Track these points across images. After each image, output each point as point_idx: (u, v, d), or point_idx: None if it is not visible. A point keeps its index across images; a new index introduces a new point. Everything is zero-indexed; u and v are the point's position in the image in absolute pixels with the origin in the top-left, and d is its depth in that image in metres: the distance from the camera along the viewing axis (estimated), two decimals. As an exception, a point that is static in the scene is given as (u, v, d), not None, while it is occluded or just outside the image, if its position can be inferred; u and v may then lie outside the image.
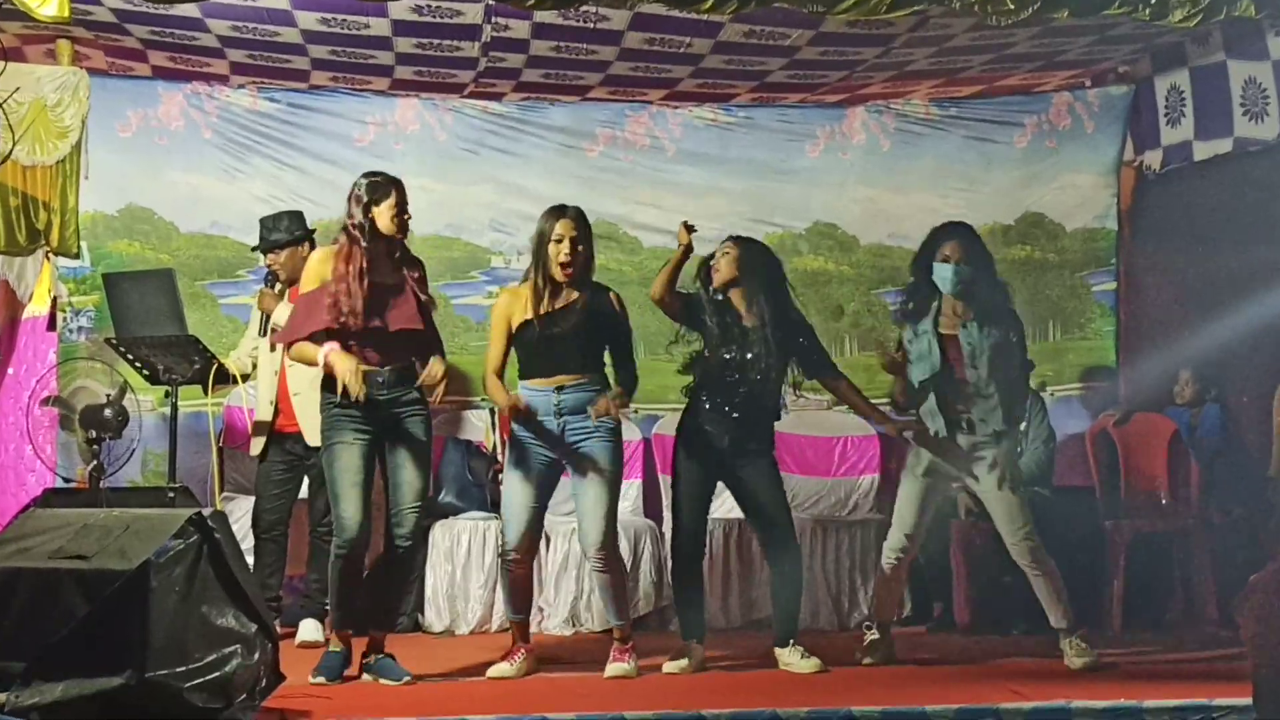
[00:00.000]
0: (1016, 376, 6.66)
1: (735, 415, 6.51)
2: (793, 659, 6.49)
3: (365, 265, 5.95)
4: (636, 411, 8.55)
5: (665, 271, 6.48)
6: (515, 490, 6.30)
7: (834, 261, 8.85)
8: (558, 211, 6.30)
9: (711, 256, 6.67)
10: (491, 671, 6.22)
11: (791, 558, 6.63)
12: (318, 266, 6.06)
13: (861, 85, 8.52)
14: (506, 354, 6.35)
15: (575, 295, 6.26)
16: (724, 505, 7.28)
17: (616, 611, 6.41)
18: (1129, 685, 5.67)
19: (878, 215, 8.89)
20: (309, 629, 7.05)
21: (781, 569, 6.62)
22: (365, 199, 6.01)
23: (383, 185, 6.04)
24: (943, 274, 6.59)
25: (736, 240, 6.73)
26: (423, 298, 6.10)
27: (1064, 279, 8.90)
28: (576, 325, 6.22)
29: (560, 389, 6.22)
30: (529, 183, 8.45)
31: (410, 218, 6.10)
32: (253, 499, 7.38)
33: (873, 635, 6.74)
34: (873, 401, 6.93)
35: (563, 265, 6.20)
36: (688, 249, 6.38)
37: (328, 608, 6.42)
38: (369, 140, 8.43)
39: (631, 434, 8.36)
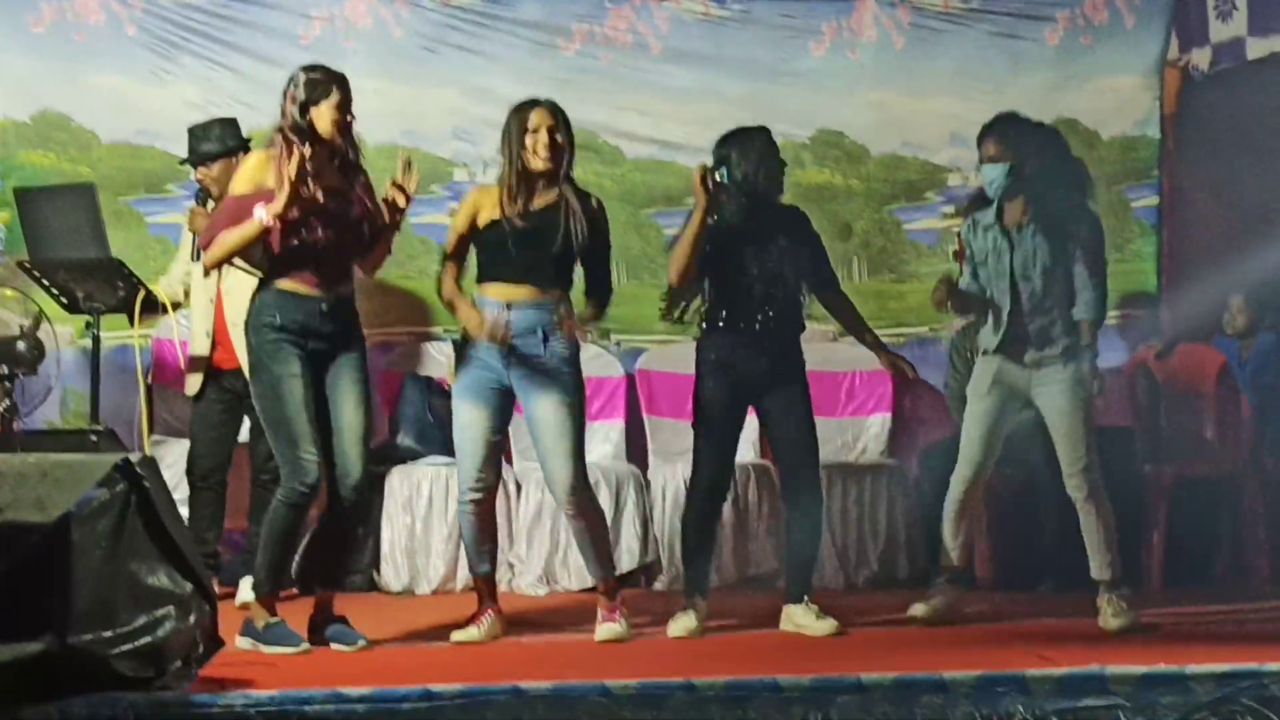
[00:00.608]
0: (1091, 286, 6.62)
1: (766, 336, 6.49)
2: (806, 619, 6.47)
3: (322, 184, 5.90)
4: (619, 344, 8.55)
5: (685, 247, 6.42)
6: (468, 419, 6.25)
7: (841, 174, 8.83)
8: (529, 104, 6.25)
9: (731, 154, 6.56)
10: (456, 635, 6.23)
11: (813, 502, 6.60)
12: (253, 170, 5.98)
13: (873, -28, 8.50)
14: (464, 257, 6.30)
15: (554, 195, 6.22)
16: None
17: (599, 563, 6.40)
18: (1170, 648, 5.69)
19: (890, 122, 8.86)
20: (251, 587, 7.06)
21: (801, 514, 6.58)
22: (302, 97, 5.94)
23: (322, 82, 5.96)
24: (989, 175, 6.60)
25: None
26: (370, 208, 6.05)
27: (1101, 193, 8.86)
28: (553, 229, 6.17)
29: (510, 305, 6.15)
30: (496, 85, 8.37)
31: (354, 119, 6.02)
32: (187, 443, 7.36)
33: (939, 587, 6.75)
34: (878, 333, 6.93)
35: (544, 157, 6.15)
36: (708, 208, 6.34)
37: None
38: (314, 36, 8.38)
39: (612, 369, 8.36)
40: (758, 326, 6.49)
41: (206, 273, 6.61)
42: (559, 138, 6.19)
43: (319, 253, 5.91)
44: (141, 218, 8.21)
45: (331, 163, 6.00)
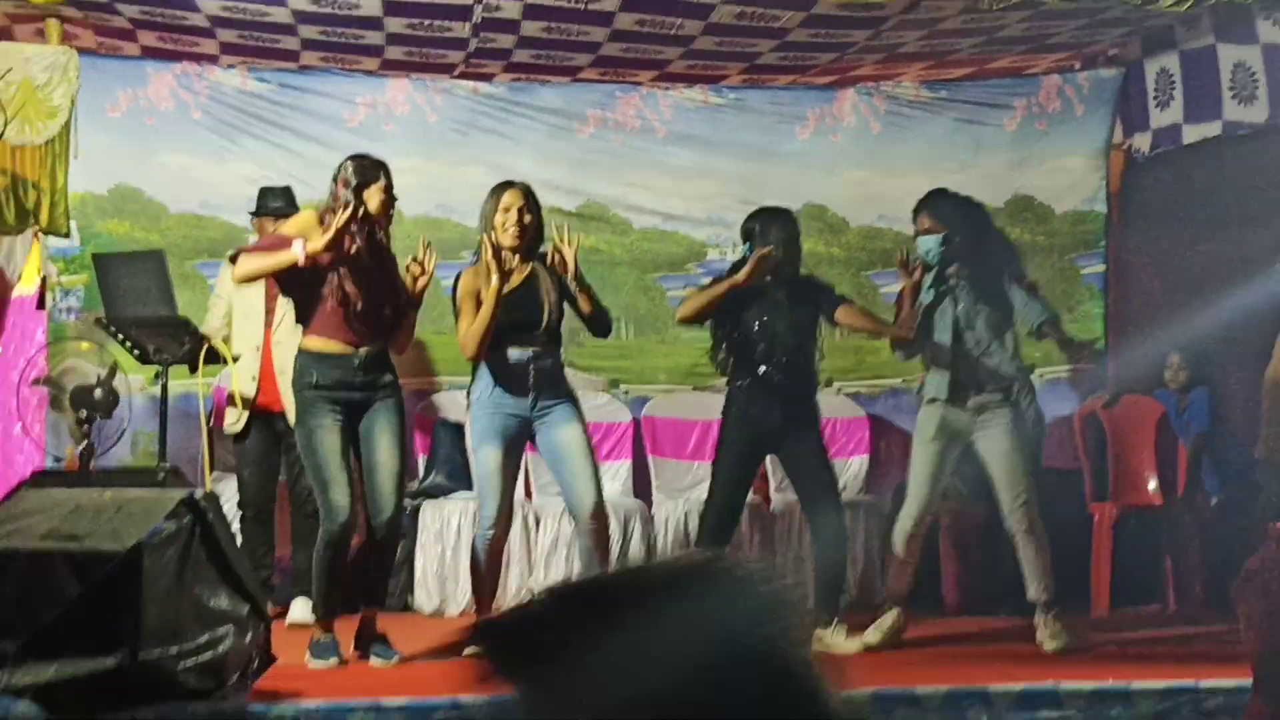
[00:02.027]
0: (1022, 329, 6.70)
1: (784, 390, 6.50)
2: (837, 638, 6.44)
3: (359, 245, 5.94)
4: (626, 393, 8.57)
5: (705, 299, 6.51)
6: (489, 460, 6.21)
7: (824, 243, 8.84)
8: (504, 185, 6.29)
9: (752, 236, 6.60)
10: (469, 652, 6.19)
11: (839, 533, 6.59)
12: (302, 222, 6.03)
13: (852, 67, 8.53)
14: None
15: (528, 269, 6.24)
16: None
17: None
18: (1117, 666, 5.70)
19: (868, 197, 8.88)
20: (300, 609, 7.06)
21: (827, 545, 6.57)
22: (354, 181, 5.98)
23: (372, 168, 6.02)
24: (925, 246, 6.64)
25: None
26: (396, 283, 6.08)
27: (1053, 261, 8.91)
28: (535, 300, 6.20)
29: (536, 356, 6.19)
30: (519, 164, 8.42)
31: (396, 201, 6.08)
32: None
33: (888, 614, 6.68)
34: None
35: (512, 234, 6.17)
36: (746, 281, 6.36)
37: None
38: (359, 121, 8.42)
39: (621, 415, 8.37)
40: (776, 382, 6.50)
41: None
42: (526, 217, 6.21)
43: (352, 311, 5.93)
44: (205, 280, 8.21)
45: (370, 239, 6.04)
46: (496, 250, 6.16)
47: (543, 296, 6.23)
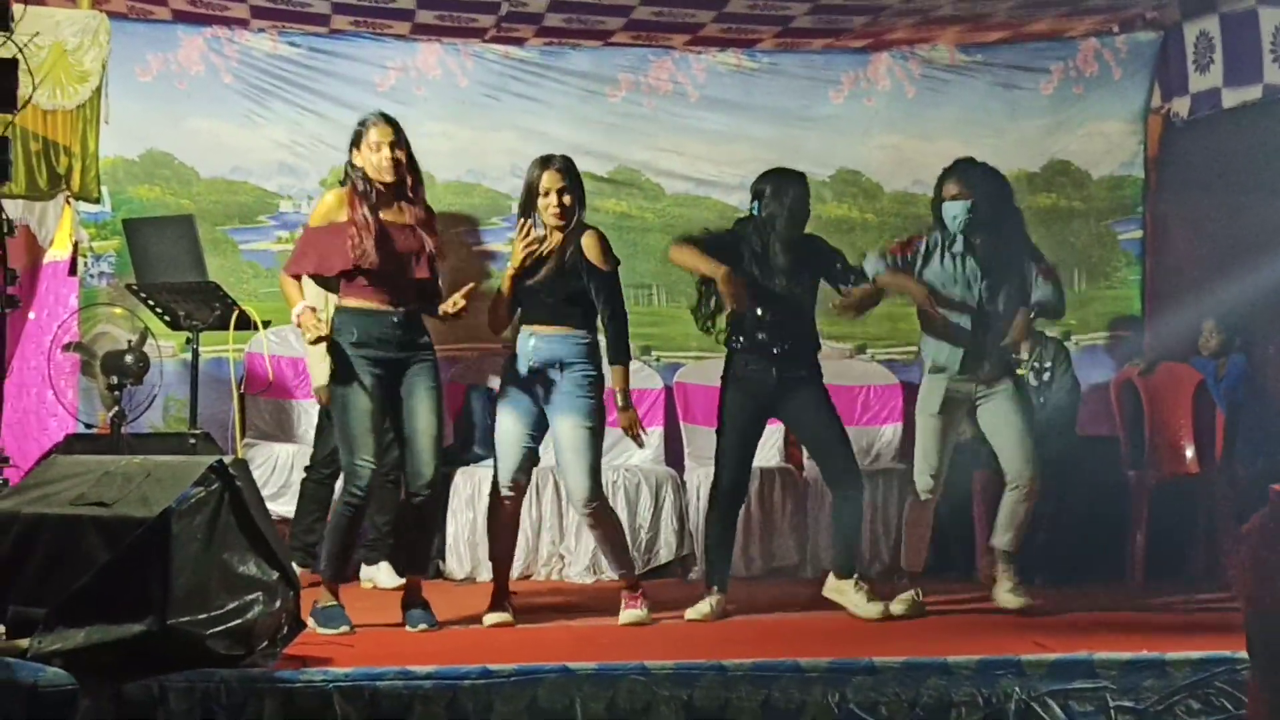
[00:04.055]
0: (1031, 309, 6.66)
1: (778, 348, 6.47)
2: (858, 599, 6.45)
3: (369, 208, 5.94)
4: (658, 359, 8.54)
5: (695, 263, 6.45)
6: (507, 427, 6.25)
7: (858, 209, 8.80)
8: (544, 162, 6.23)
9: (761, 198, 6.57)
10: (489, 620, 6.22)
11: (854, 482, 6.57)
12: (327, 208, 6.04)
13: (887, 30, 8.45)
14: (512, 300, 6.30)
15: (560, 246, 6.20)
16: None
17: (618, 563, 6.42)
18: (1152, 637, 5.64)
19: (902, 162, 8.81)
20: (385, 574, 7.11)
21: (844, 495, 6.56)
22: (350, 142, 6.04)
23: (361, 126, 6.03)
24: (950, 212, 6.61)
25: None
26: (429, 247, 6.06)
27: (1090, 227, 8.84)
28: (562, 276, 6.18)
29: (534, 336, 6.20)
30: (550, 128, 8.40)
31: (400, 159, 6.00)
32: (276, 445, 7.52)
33: (903, 586, 6.68)
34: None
35: (555, 217, 6.16)
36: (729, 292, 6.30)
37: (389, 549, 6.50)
38: (390, 85, 8.38)
39: (653, 382, 8.34)
40: (775, 347, 6.48)
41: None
42: (566, 198, 6.17)
43: (390, 272, 5.94)
44: (236, 245, 8.22)
45: (395, 199, 6.02)
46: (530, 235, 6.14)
47: (566, 273, 6.19)
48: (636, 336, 8.35)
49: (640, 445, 6.47)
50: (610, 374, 6.24)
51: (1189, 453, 7.92)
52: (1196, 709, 5.10)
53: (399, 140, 6.00)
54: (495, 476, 6.32)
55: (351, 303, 5.99)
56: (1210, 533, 7.82)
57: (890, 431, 8.52)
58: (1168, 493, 7.75)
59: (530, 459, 6.31)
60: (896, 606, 6.54)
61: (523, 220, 6.20)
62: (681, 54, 8.66)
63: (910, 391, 8.50)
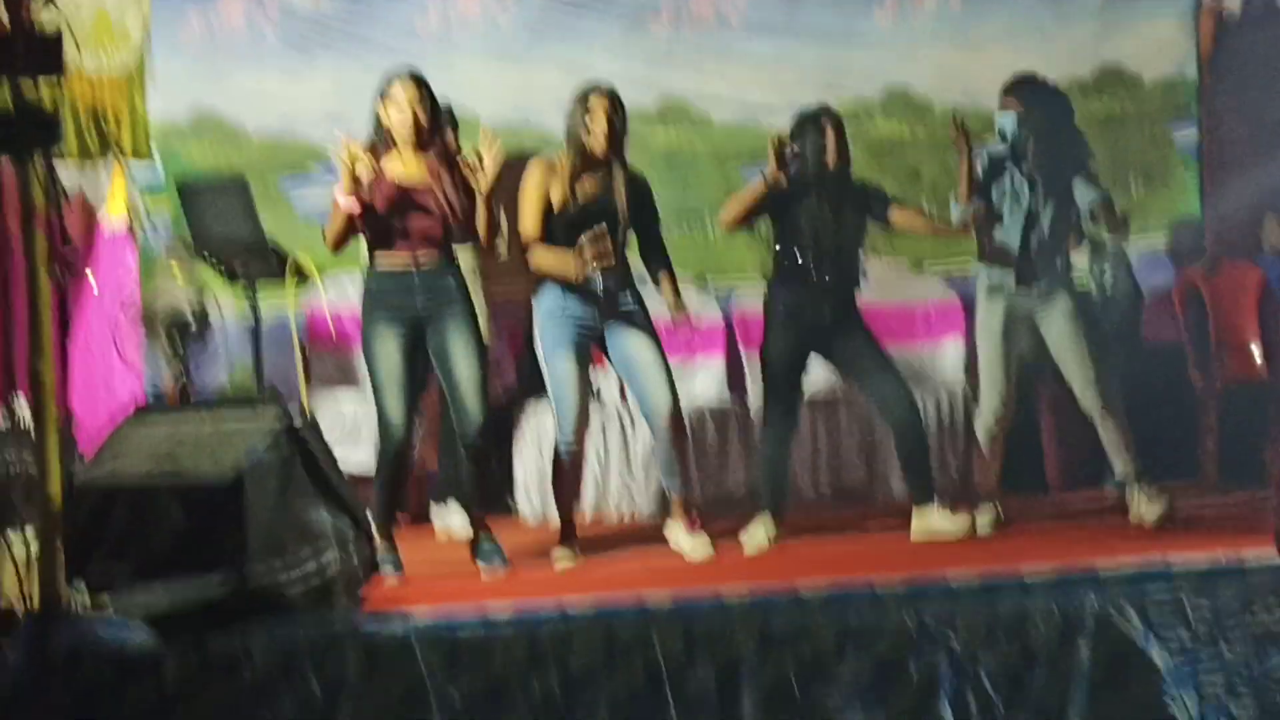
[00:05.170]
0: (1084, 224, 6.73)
1: (826, 290, 6.50)
2: (942, 522, 6.45)
3: (380, 163, 5.93)
4: (714, 291, 8.50)
5: (743, 203, 6.51)
6: (564, 372, 6.22)
7: (908, 127, 8.72)
8: (590, 89, 6.25)
9: (803, 131, 6.56)
10: (559, 561, 6.25)
11: (913, 414, 6.57)
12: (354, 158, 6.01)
13: (930, -59, 8.38)
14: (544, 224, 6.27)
15: (607, 173, 6.21)
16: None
17: (683, 478, 6.42)
18: (1231, 537, 5.61)
19: (952, 76, 8.68)
20: (456, 518, 7.04)
21: (902, 427, 6.58)
22: (377, 92, 6.01)
23: (389, 83, 5.98)
24: (1003, 123, 6.63)
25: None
26: (447, 196, 5.95)
27: (1144, 130, 8.75)
28: (611, 203, 6.20)
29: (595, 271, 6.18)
30: (594, 62, 8.27)
31: (420, 120, 5.93)
32: (341, 390, 7.65)
33: (985, 509, 6.68)
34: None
35: (601, 134, 6.15)
36: (775, 177, 6.34)
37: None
38: (431, 29, 8.36)
39: (711, 310, 8.31)
40: (819, 281, 6.49)
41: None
42: (615, 121, 6.16)
43: (406, 230, 5.93)
44: (288, 200, 8.24)
45: (417, 152, 5.99)
46: (583, 154, 6.16)
47: (615, 202, 6.20)
48: (690, 264, 8.35)
49: (693, 326, 6.53)
50: (664, 280, 6.38)
51: (1256, 355, 7.84)
52: (1274, 605, 5.07)
53: (423, 97, 5.95)
54: (558, 424, 6.32)
55: (378, 260, 6.02)
56: (1280, 435, 7.77)
57: (953, 347, 8.46)
58: (1236, 396, 7.68)
59: (589, 405, 6.35)
60: (979, 522, 6.55)
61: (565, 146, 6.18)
62: (723, -21, 8.61)
63: (969, 305, 8.47)
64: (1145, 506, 6.49)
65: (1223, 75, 8.68)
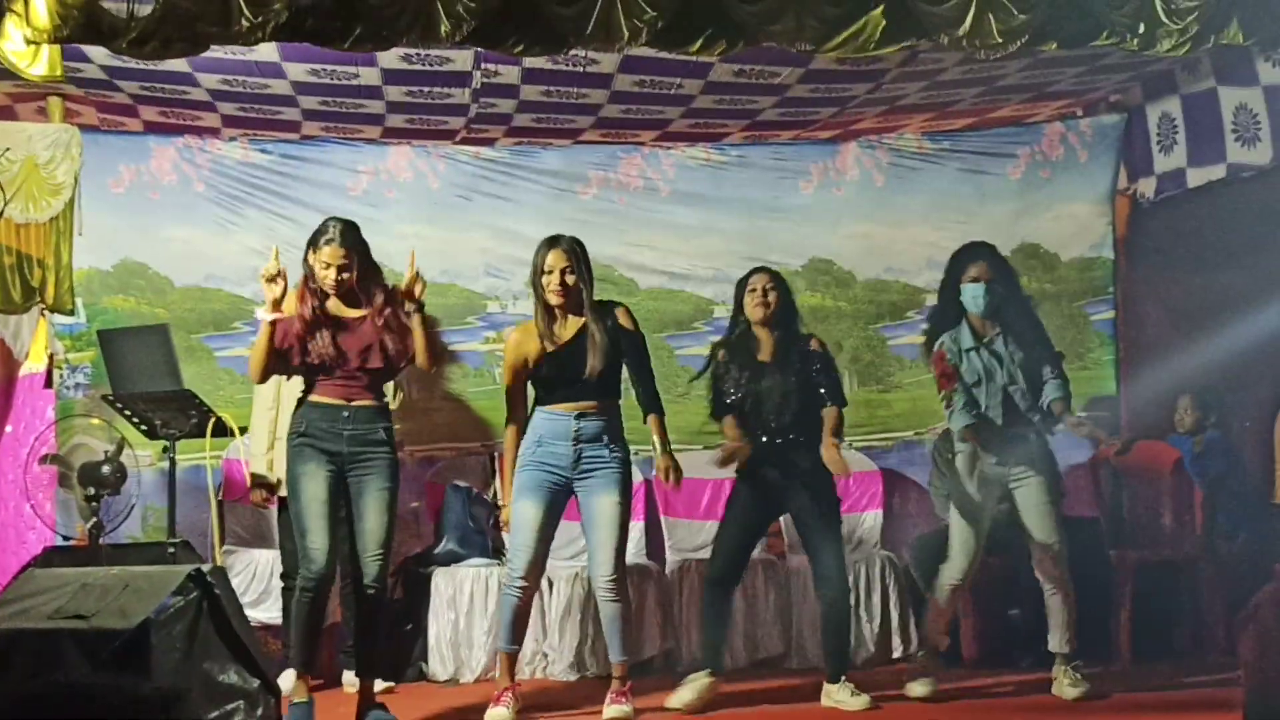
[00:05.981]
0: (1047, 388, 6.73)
1: (794, 450, 6.59)
2: (843, 695, 6.48)
3: (312, 307, 6.01)
4: (636, 453, 8.51)
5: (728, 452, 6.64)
6: (526, 515, 6.29)
7: (831, 297, 8.83)
8: (549, 243, 6.38)
9: (747, 288, 6.72)
10: (489, 716, 6.19)
11: (841, 586, 6.63)
12: (293, 299, 6.11)
13: (853, 121, 8.54)
14: (525, 394, 6.40)
15: (579, 323, 6.30)
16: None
17: (622, 645, 6.39)
18: (1141, 716, 5.63)
19: (874, 250, 8.86)
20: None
21: (831, 599, 6.61)
22: (308, 240, 6.12)
23: (321, 231, 6.09)
24: (973, 294, 6.69)
25: (770, 273, 6.82)
26: (387, 339, 6.05)
27: (1062, 309, 8.86)
28: (584, 353, 6.26)
29: (580, 415, 6.27)
30: (523, 227, 8.42)
31: (342, 273, 6.01)
32: (256, 551, 7.46)
33: (924, 662, 6.79)
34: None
35: (557, 292, 6.27)
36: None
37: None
38: (361, 189, 8.43)
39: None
40: (784, 442, 6.60)
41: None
42: (569, 278, 6.28)
43: (337, 369, 6.00)
44: (211, 352, 8.22)
45: (346, 295, 6.08)
46: (548, 308, 6.31)
47: (589, 352, 6.26)
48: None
49: (678, 486, 6.48)
50: (651, 424, 6.39)
51: (1171, 531, 7.92)
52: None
53: (349, 260, 6.03)
54: (509, 564, 6.36)
55: (311, 398, 6.08)
56: (1196, 610, 7.81)
57: (871, 518, 8.50)
58: (1150, 571, 7.74)
59: (545, 548, 6.36)
60: (919, 688, 6.64)
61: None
62: (651, 150, 8.73)
63: (890, 477, 8.54)
64: (1068, 684, 6.55)
65: (1138, 257, 8.85)
